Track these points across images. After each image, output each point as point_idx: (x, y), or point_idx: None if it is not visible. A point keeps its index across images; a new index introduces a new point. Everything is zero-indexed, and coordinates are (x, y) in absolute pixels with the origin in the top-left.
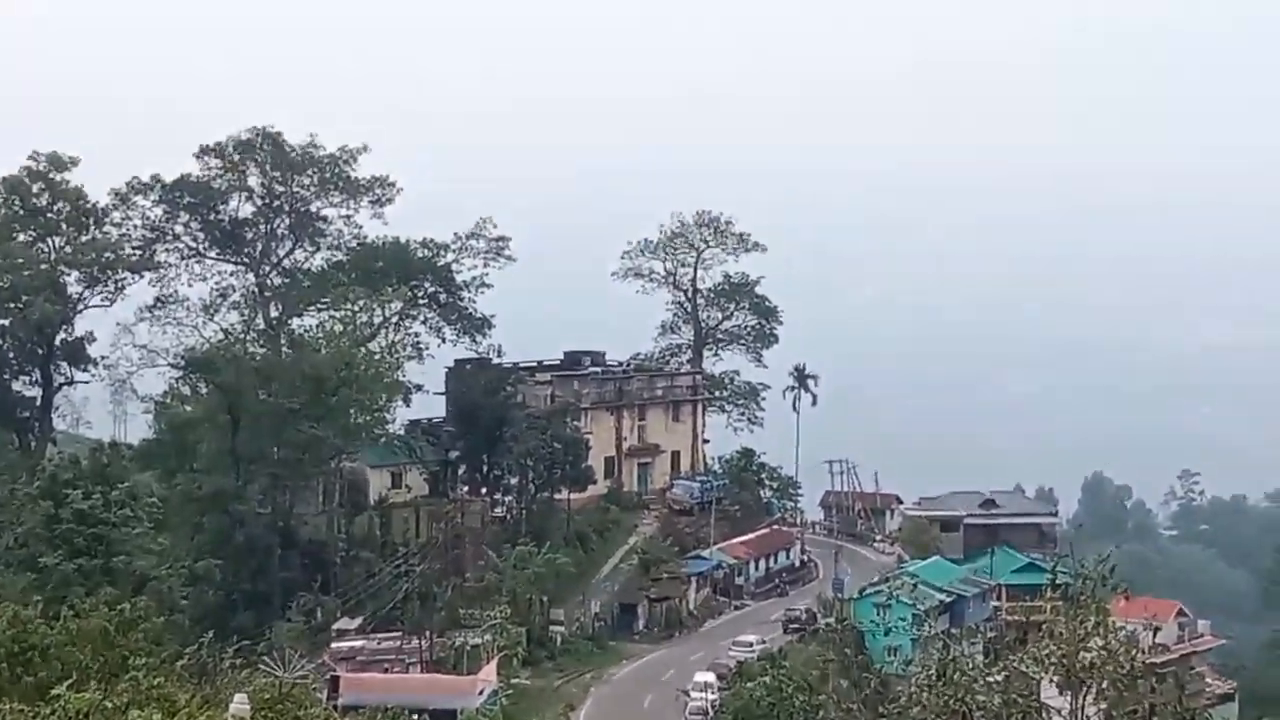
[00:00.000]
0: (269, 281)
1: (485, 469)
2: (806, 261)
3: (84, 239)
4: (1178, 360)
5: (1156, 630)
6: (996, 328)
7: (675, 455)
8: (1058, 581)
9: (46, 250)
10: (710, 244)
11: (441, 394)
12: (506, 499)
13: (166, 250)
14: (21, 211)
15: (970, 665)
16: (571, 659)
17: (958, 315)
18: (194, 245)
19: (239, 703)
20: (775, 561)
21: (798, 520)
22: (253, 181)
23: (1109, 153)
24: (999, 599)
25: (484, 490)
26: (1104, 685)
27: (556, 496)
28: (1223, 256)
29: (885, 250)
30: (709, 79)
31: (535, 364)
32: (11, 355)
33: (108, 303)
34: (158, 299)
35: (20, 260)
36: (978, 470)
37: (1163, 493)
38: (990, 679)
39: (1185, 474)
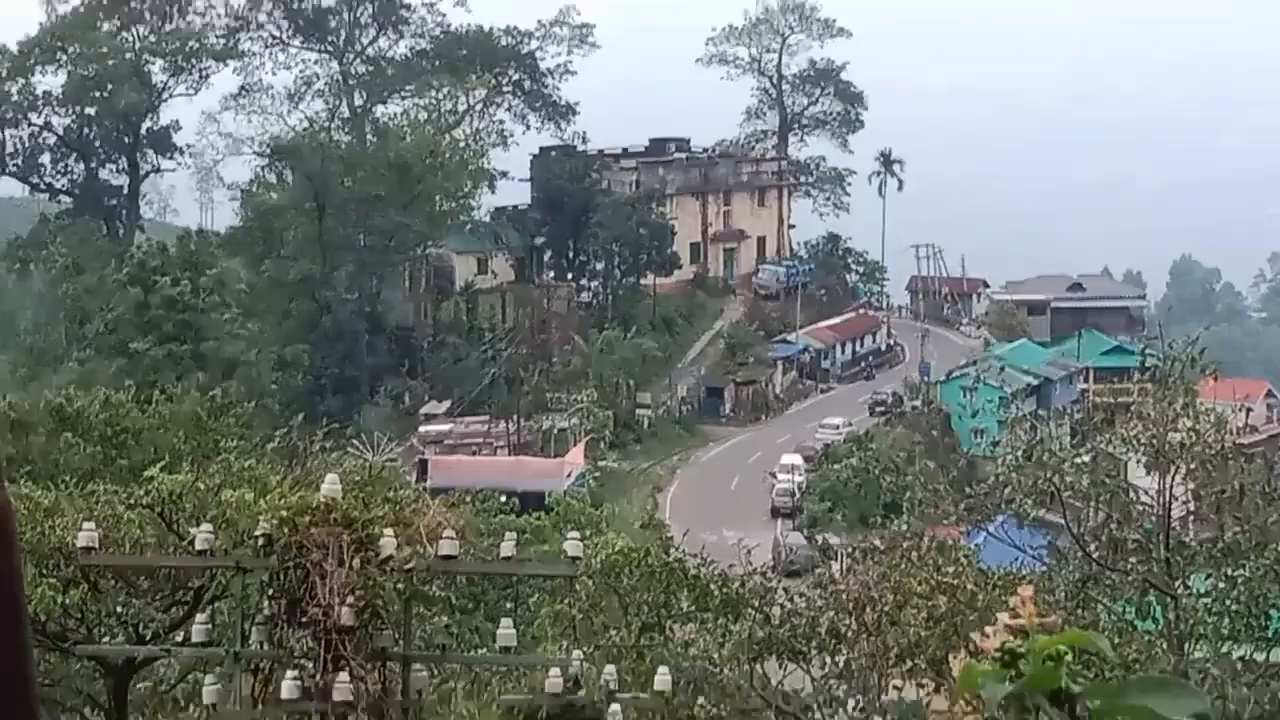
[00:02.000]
0: (353, 69)
1: (571, 255)
2: (889, 47)
3: (168, 27)
4: (1258, 145)
5: (1247, 411)
6: (1078, 113)
7: (761, 240)
8: (1146, 363)
9: (131, 39)
10: (795, 29)
11: (527, 181)
12: (592, 284)
13: (250, 39)
14: (106, 1)
15: (1058, 446)
16: (658, 442)
17: (1037, 100)
18: (277, 33)
19: (330, 484)
20: (862, 345)
21: (884, 304)
22: None
23: None
24: (1086, 381)
25: (570, 276)
26: (1192, 465)
27: (642, 282)
28: None
29: (964, 37)
30: None
31: (620, 150)
32: (98, 143)
33: (192, 91)
34: (242, 87)
35: (105, 49)
36: (1064, 253)
37: (1253, 275)
38: (1078, 460)
39: (1275, 256)
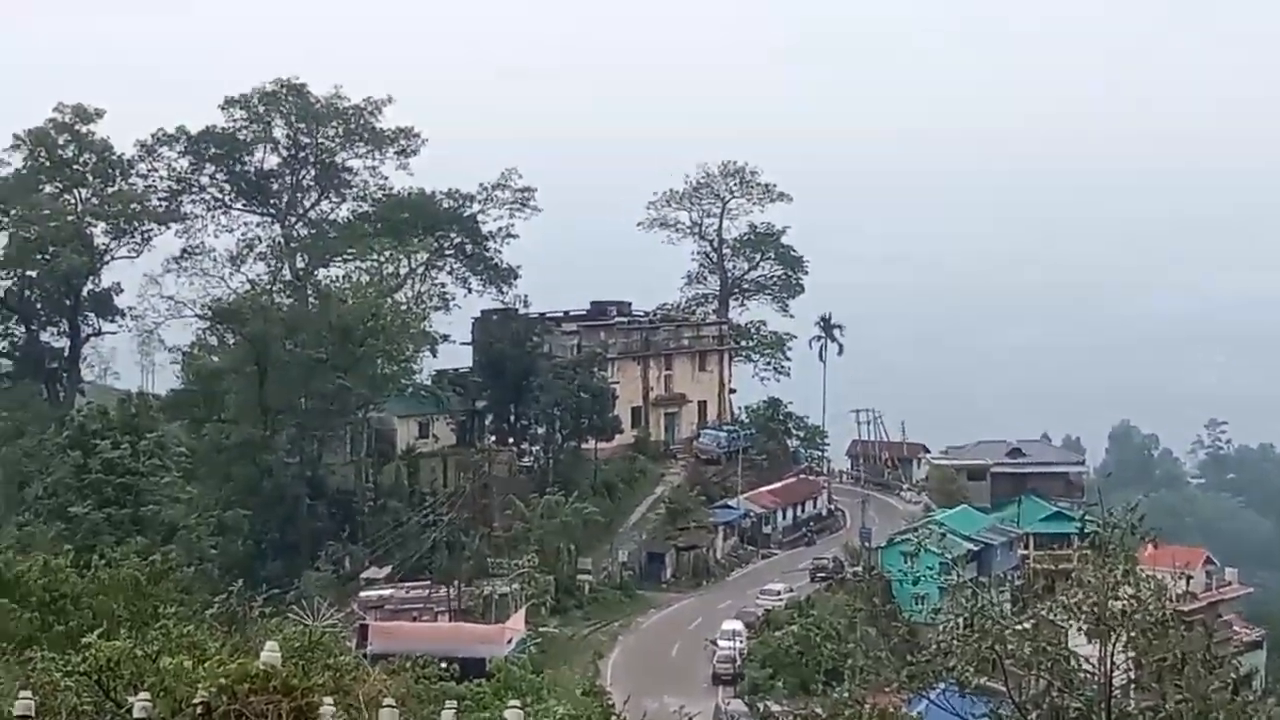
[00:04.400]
0: (295, 233)
1: (512, 419)
2: (825, 211)
3: (110, 190)
4: (1190, 312)
5: (1187, 579)
6: (1004, 282)
7: (702, 405)
8: (1086, 530)
9: (73, 202)
10: (736, 194)
11: (468, 344)
12: (534, 449)
13: (193, 201)
14: (48, 163)
15: (999, 614)
16: (600, 608)
17: (968, 268)
18: (220, 196)
19: (269, 650)
20: (802, 510)
21: (824, 469)
22: (278, 133)
23: (1112, 119)
24: (1026, 547)
25: (511, 440)
26: (1133, 633)
27: (584, 446)
28: (1231, 211)
29: (896, 205)
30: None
31: (562, 314)
32: (39, 306)
33: (134, 254)
34: (184, 250)
35: (47, 212)
36: (1003, 419)
37: (1190, 441)
38: (1019, 627)
39: (1212, 423)
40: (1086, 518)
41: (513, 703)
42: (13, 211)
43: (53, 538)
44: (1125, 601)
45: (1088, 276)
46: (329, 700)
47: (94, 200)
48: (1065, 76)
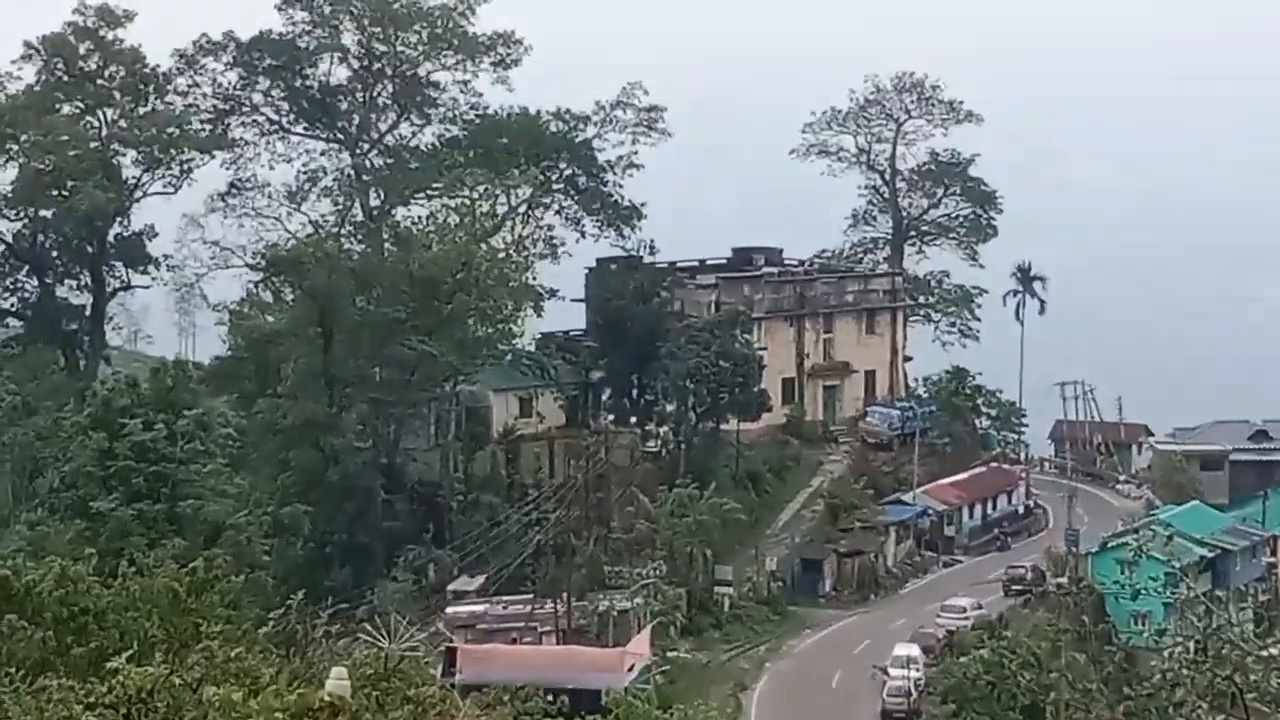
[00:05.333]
0: (368, 162)
1: (635, 393)
2: (1023, 138)
3: (142, 111)
4: None
5: None
6: (1259, 217)
7: (870, 376)
8: None
9: (97, 125)
10: (913, 114)
11: (581, 301)
12: (661, 430)
13: (243, 124)
14: (66, 78)
15: (1239, 636)
16: (742, 627)
17: (1209, 203)
18: (276, 118)
19: (336, 678)
20: (994, 508)
21: (1022, 457)
22: (347, 39)
23: None
24: (1275, 554)
25: (633, 420)
26: None
27: (723, 427)
28: None
29: (1115, 123)
30: None
31: (697, 263)
32: (56, 254)
33: (172, 189)
34: (232, 185)
35: (65, 137)
36: (1249, 397)
37: None
38: (1265, 653)
39: None
40: None
41: None
42: (23, 137)
43: (71, 539)
44: None
45: None
46: None
47: (122, 123)
48: None
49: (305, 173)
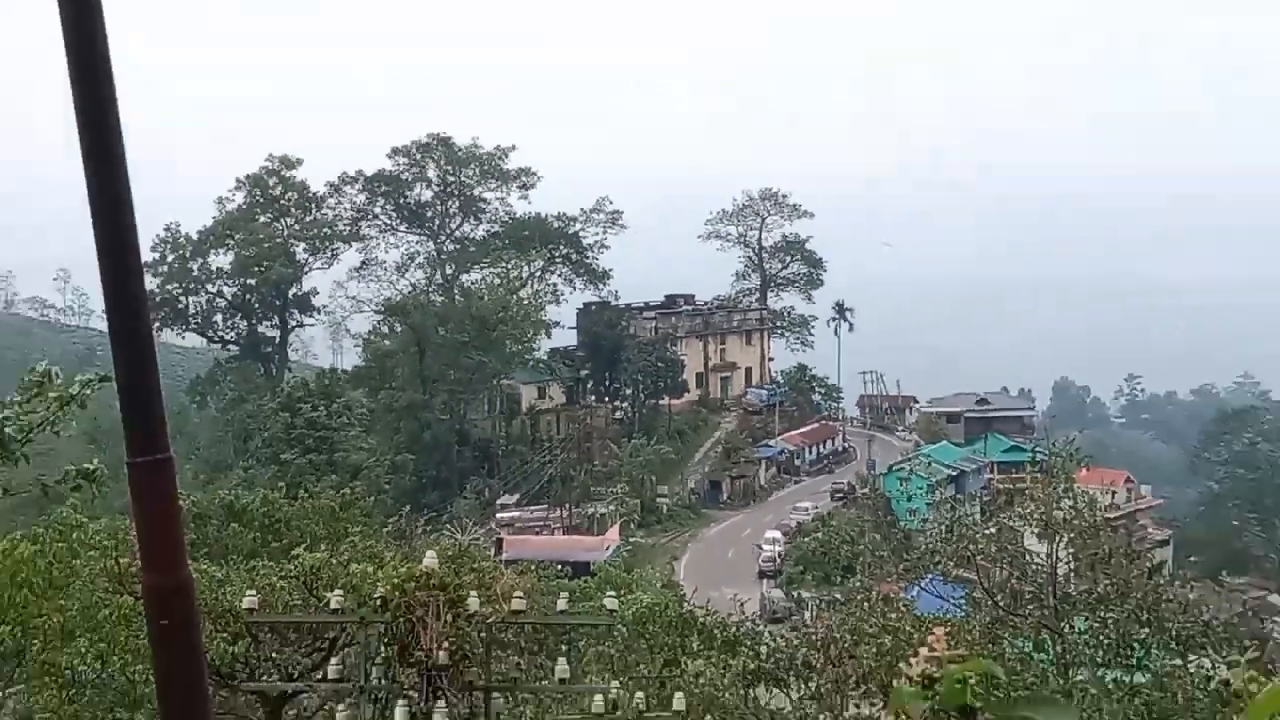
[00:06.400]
0: (444, 248)
1: (607, 383)
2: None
3: (308, 219)
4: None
5: (1112, 494)
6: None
7: (749, 370)
8: (1035, 458)
9: (281, 228)
10: (771, 213)
11: (574, 329)
12: (623, 405)
13: (368, 226)
14: (261, 199)
15: (971, 522)
16: (674, 523)
17: (951, 268)
18: (389, 222)
19: (429, 558)
20: (824, 448)
21: (840, 417)
22: (430, 173)
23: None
24: (991, 473)
25: (606, 399)
26: (1072, 535)
27: (660, 403)
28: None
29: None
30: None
31: (643, 304)
32: (257, 305)
33: (326, 266)
34: (363, 262)
35: (261, 236)
36: (974, 375)
37: (1114, 390)
38: (986, 532)
39: (1130, 376)
40: (1036, 450)
41: (610, 594)
42: (237, 236)
43: (269, 477)
44: (1066, 511)
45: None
46: (474, 593)
47: (296, 226)
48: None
49: (406, 255)
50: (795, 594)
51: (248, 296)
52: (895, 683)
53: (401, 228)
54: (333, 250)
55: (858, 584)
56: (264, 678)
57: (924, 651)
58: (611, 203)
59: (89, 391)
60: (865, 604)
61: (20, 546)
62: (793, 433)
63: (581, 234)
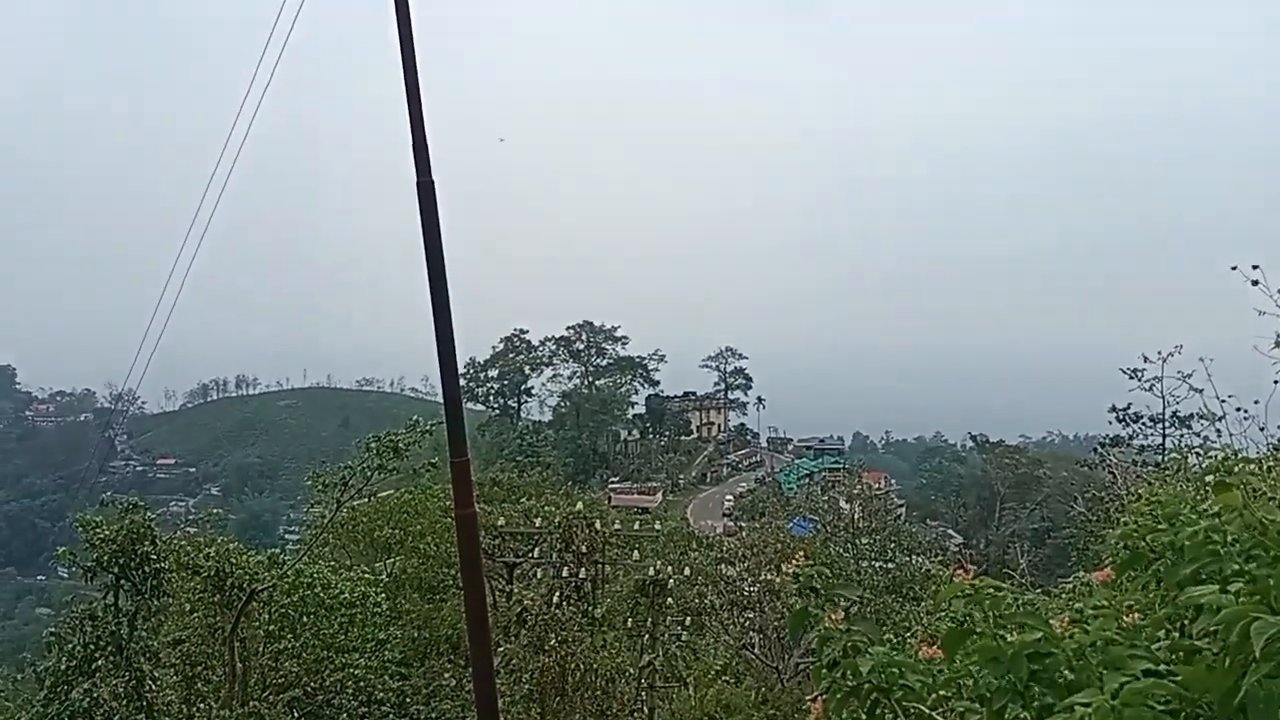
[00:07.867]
0: (589, 368)
1: (662, 430)
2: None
3: (532, 354)
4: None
5: (878, 483)
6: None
7: (719, 425)
8: (846, 466)
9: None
10: (735, 353)
11: (645, 403)
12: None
13: (556, 358)
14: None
15: (817, 493)
16: (685, 491)
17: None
18: (564, 357)
19: (579, 505)
20: (752, 460)
21: (758, 446)
22: (580, 343)
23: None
24: (824, 473)
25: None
26: (861, 502)
27: (681, 439)
28: None
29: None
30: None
31: (673, 395)
32: (507, 390)
33: (538, 374)
34: (554, 374)
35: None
36: (819, 426)
37: (880, 436)
38: (823, 499)
39: (886, 429)
40: (845, 463)
41: (658, 524)
42: (508, 357)
43: (514, 465)
44: (859, 489)
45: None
46: (598, 521)
47: (524, 357)
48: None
49: (572, 372)
50: (739, 524)
51: (504, 384)
52: (783, 566)
53: (569, 360)
54: (541, 366)
55: (766, 521)
56: (503, 558)
57: (798, 558)
58: (665, 358)
59: (430, 429)
60: (769, 528)
61: (406, 495)
62: (738, 452)
63: (647, 362)
